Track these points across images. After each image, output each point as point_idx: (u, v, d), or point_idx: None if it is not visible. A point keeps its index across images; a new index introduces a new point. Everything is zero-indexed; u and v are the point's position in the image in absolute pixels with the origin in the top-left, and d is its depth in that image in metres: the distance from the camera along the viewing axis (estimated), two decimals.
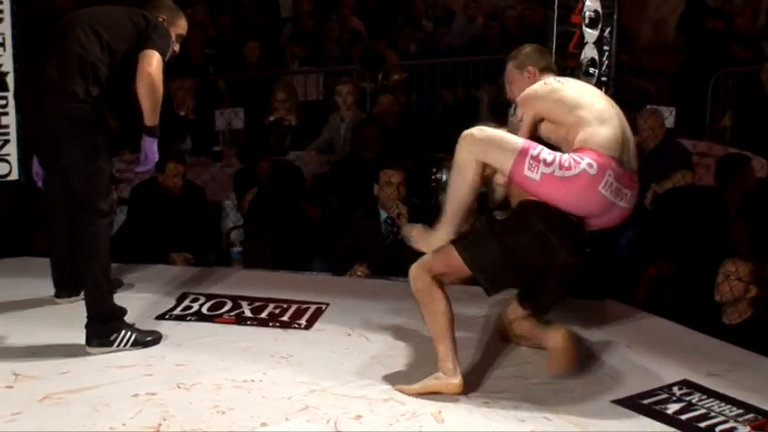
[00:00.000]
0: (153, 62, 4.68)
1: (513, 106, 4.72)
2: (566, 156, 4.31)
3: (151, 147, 4.83)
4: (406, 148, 8.00)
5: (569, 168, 4.27)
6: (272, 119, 8.58)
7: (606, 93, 5.58)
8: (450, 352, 4.40)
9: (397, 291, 5.83)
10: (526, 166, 4.29)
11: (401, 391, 4.39)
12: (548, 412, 4.26)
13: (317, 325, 5.23)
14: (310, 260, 6.88)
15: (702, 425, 4.21)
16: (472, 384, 4.47)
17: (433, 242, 4.51)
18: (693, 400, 4.42)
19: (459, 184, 4.45)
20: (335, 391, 4.39)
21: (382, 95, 8.80)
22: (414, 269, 4.49)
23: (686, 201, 6.98)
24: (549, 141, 4.49)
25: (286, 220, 7.21)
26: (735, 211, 6.83)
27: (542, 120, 4.53)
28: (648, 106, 8.13)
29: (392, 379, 4.54)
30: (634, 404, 4.37)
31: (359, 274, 6.27)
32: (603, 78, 5.72)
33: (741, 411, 4.32)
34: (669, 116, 7.96)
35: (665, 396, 4.46)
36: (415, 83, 10.31)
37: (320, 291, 5.69)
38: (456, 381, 4.36)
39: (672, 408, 4.34)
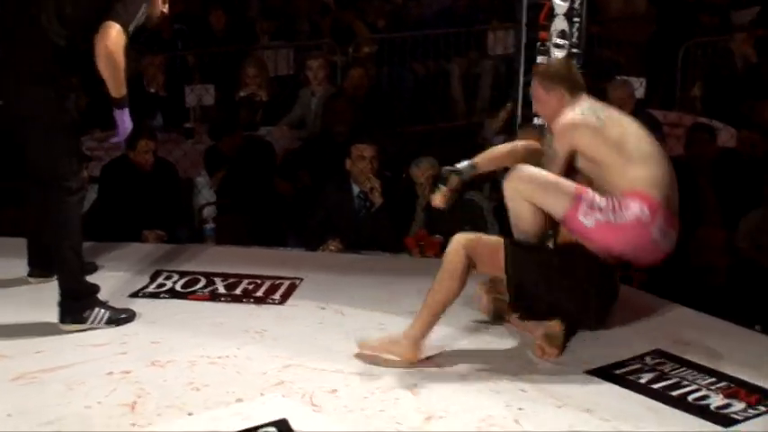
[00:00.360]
0: (111, 34, 4.55)
1: (549, 136, 4.72)
2: (616, 200, 4.37)
3: (121, 117, 4.75)
4: (377, 121, 7.99)
5: (622, 215, 4.35)
6: (242, 94, 8.56)
7: (577, 65, 5.63)
8: (428, 329, 4.42)
9: (371, 265, 5.86)
10: (581, 213, 4.38)
11: (361, 347, 4.44)
12: (523, 384, 4.28)
13: (291, 300, 5.22)
14: (283, 236, 6.87)
15: (675, 393, 4.24)
16: (447, 358, 4.49)
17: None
18: (666, 370, 4.44)
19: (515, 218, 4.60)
20: (310, 365, 4.39)
21: (352, 69, 8.78)
22: (459, 242, 4.46)
23: None
24: (585, 175, 4.52)
25: (258, 196, 7.19)
26: (704, 181, 6.87)
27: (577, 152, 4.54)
28: (618, 77, 8.15)
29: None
30: (607, 374, 4.39)
31: (332, 248, 6.28)
32: (574, 50, 5.73)
33: (713, 380, 4.35)
34: (639, 87, 7.98)
35: (637, 366, 4.48)
36: (385, 56, 10.28)
37: (294, 266, 5.69)
38: (414, 354, 4.38)
39: (645, 377, 4.37)
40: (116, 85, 4.65)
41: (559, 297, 4.57)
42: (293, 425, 3.82)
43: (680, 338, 4.75)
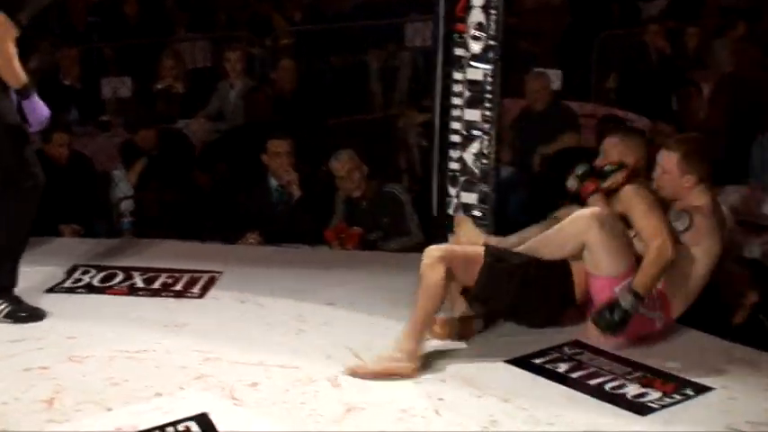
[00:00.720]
0: None
1: (686, 220, 4.66)
2: (655, 300, 4.58)
3: (30, 107, 4.61)
4: (296, 114, 7.96)
5: (652, 310, 4.61)
6: (159, 87, 8.48)
7: (493, 56, 5.67)
8: (421, 340, 4.36)
9: (290, 257, 5.86)
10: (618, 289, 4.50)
11: (354, 374, 4.23)
12: (443, 374, 4.30)
13: (210, 293, 5.19)
14: (202, 229, 6.82)
15: (592, 382, 4.28)
16: (368, 351, 4.49)
17: None
18: (584, 360, 4.49)
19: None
20: (230, 358, 4.37)
21: (283, 60, 8.72)
22: (434, 256, 4.38)
23: (573, 162, 7.06)
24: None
25: (176, 189, 7.13)
26: None
27: None
28: (535, 69, 8.21)
29: (287, 344, 4.53)
30: (526, 364, 4.43)
31: (251, 241, 6.25)
32: (491, 42, 5.75)
33: (629, 369, 4.40)
34: (556, 79, 8.05)
35: (556, 355, 4.52)
36: (303, 49, 10.25)
37: (213, 259, 5.66)
38: (413, 365, 4.29)
39: (563, 366, 4.41)
40: (11, 75, 4.53)
41: (523, 303, 4.62)
42: (214, 419, 3.80)
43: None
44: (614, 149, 4.85)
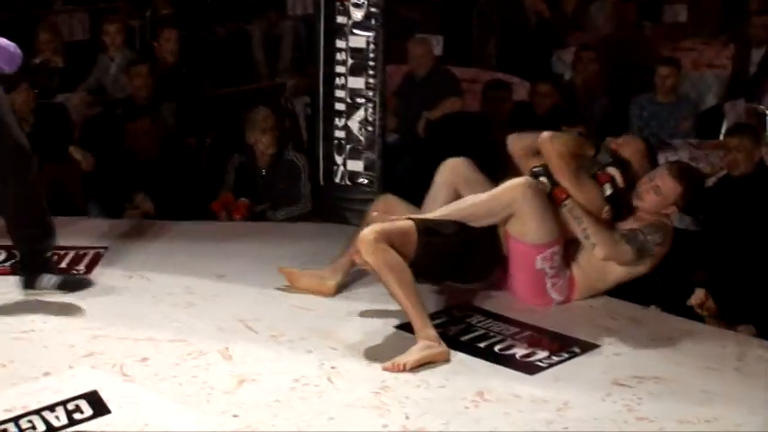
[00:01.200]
0: None
1: (661, 236, 4.69)
2: (565, 281, 4.73)
3: None
4: (180, 85, 7.84)
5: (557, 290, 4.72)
6: (37, 61, 8.27)
7: (375, 24, 5.67)
8: (426, 319, 4.26)
9: (176, 231, 5.80)
10: (544, 255, 4.64)
11: (393, 369, 4.07)
12: (334, 342, 4.31)
13: (96, 270, 5.11)
14: (85, 204, 6.71)
15: (482, 345, 4.33)
16: (258, 322, 4.50)
17: None
18: (473, 322, 4.54)
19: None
20: (120, 334, 4.32)
21: (164, 30, 8.56)
22: (370, 242, 4.21)
23: (456, 126, 7.12)
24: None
25: (56, 163, 6.98)
26: (501, 136, 7.00)
27: None
28: (417, 35, 8.22)
29: (177, 318, 4.50)
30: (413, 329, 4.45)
31: (138, 206, 6.23)
32: (372, 9, 5.75)
33: (518, 330, 4.47)
34: (437, 44, 8.07)
35: (445, 319, 4.55)
36: (184, 19, 10.09)
37: (97, 235, 5.58)
38: (444, 348, 4.22)
39: (453, 330, 4.45)
40: None
41: (457, 268, 4.64)
42: (104, 396, 3.75)
43: (486, 292, 4.85)
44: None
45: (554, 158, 4.65)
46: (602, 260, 4.62)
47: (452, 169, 4.89)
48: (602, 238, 4.57)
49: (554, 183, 4.68)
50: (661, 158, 6.35)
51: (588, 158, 4.78)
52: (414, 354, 4.12)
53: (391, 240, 4.26)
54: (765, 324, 4.71)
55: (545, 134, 4.68)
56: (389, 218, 4.47)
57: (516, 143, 4.97)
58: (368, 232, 4.25)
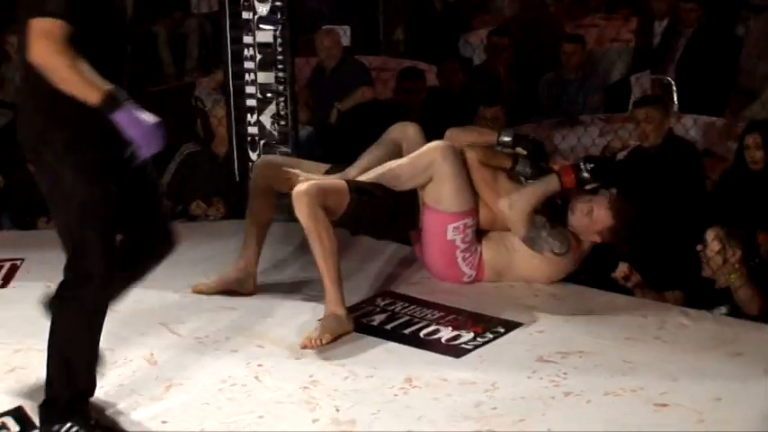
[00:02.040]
0: (37, 42, 3.21)
1: (566, 246, 4.66)
2: (476, 257, 4.74)
3: (127, 120, 3.23)
4: None
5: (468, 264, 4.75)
6: None
7: (281, 17, 5.65)
8: (342, 295, 4.30)
9: None
10: (456, 226, 4.65)
11: (310, 345, 4.13)
12: (259, 340, 4.28)
13: (13, 282, 5.03)
14: None
15: (407, 331, 4.34)
16: (180, 325, 4.46)
17: None
18: (396, 309, 4.54)
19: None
20: (42, 347, 4.19)
21: None
22: (304, 201, 4.26)
23: (369, 116, 7.11)
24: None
25: None
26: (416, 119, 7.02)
27: None
28: (324, 26, 8.19)
29: None
30: None
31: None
32: (277, 3, 5.71)
33: (442, 314, 4.48)
34: (344, 34, 8.05)
35: (369, 308, 4.56)
36: None
37: (12, 247, 5.48)
38: (352, 326, 4.28)
39: (378, 318, 4.45)
40: (82, 91, 3.21)
41: (380, 227, 4.72)
42: (30, 412, 3.68)
43: (407, 278, 4.86)
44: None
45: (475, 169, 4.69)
46: (505, 212, 4.65)
47: (402, 129, 4.90)
48: (521, 206, 4.60)
49: (530, 147, 4.73)
50: (572, 136, 6.43)
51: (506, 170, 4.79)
52: (327, 329, 4.18)
53: (326, 198, 4.33)
54: (692, 288, 4.78)
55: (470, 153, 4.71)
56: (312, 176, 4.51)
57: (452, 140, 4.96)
58: (303, 190, 4.30)
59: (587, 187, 4.70)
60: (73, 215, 3.41)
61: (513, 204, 4.60)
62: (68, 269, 3.48)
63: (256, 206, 4.78)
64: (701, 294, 4.76)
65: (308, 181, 4.40)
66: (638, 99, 6.57)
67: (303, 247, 5.27)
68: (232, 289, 4.73)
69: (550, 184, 4.65)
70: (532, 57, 8.50)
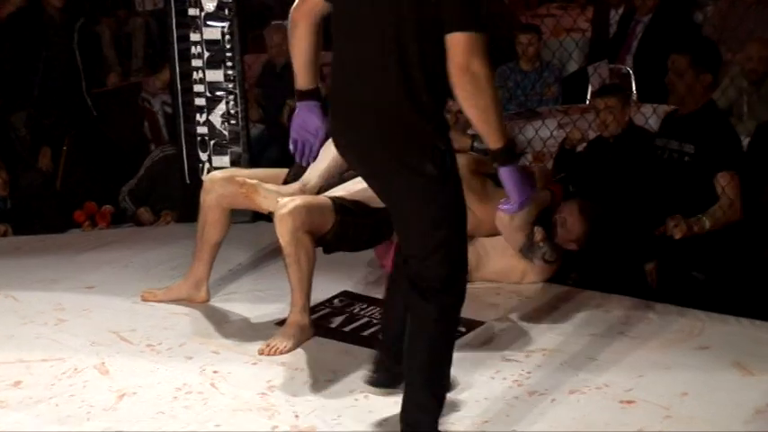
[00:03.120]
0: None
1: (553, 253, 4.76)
2: None
3: (512, 179, 3.20)
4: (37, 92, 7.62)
5: None
6: None
7: (228, 14, 5.62)
8: (309, 305, 4.25)
9: (39, 246, 5.70)
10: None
11: (269, 352, 4.12)
12: (214, 346, 4.26)
13: None
14: None
15: (366, 333, 4.32)
16: (132, 333, 4.42)
17: None
18: (355, 310, 4.53)
19: None
20: None
21: None
22: (290, 222, 4.10)
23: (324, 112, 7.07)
24: None
25: None
26: None
27: None
28: (273, 22, 8.16)
29: (48, 336, 4.39)
30: None
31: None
32: None
33: None
34: None
35: (327, 310, 4.54)
36: None
37: None
38: (312, 331, 4.26)
39: (336, 321, 4.44)
40: (494, 130, 3.14)
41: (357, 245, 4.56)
42: None
43: (365, 278, 4.85)
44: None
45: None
46: (504, 223, 4.67)
47: None
48: (523, 218, 4.64)
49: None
50: (530, 128, 6.43)
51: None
52: (290, 338, 4.15)
53: (311, 221, 4.18)
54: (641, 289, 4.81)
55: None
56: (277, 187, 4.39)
57: None
58: (288, 213, 4.11)
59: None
60: None
61: (515, 216, 4.59)
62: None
63: (208, 227, 4.58)
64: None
65: (290, 199, 4.20)
66: (597, 88, 6.58)
67: (261, 248, 5.29)
68: (182, 299, 4.67)
69: (544, 195, 4.76)
70: (490, 48, 8.49)
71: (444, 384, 3.42)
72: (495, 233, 4.77)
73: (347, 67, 3.28)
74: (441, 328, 3.31)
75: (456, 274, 3.29)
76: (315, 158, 3.61)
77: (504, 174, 3.17)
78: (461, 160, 4.61)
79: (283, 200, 4.18)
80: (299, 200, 4.19)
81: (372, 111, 3.20)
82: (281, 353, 4.11)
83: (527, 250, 4.69)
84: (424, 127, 3.17)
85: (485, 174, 4.76)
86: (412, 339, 3.31)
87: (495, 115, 3.09)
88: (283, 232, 4.11)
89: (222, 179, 4.58)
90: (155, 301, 4.68)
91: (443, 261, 3.25)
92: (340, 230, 4.28)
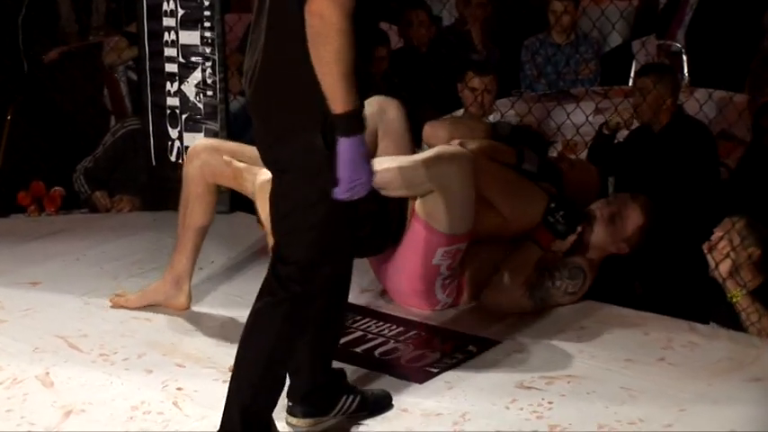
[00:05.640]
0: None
1: (580, 281, 4.75)
2: (455, 283, 4.71)
3: (345, 152, 3.23)
4: None
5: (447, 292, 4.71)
6: None
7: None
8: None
9: None
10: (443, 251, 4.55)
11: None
12: (180, 359, 4.28)
13: None
14: None
15: (359, 349, 4.35)
16: (84, 339, 4.44)
17: None
18: (349, 323, 4.53)
19: None
20: None
21: None
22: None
23: None
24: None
25: None
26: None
27: None
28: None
29: None
30: None
31: None
32: None
33: (402, 329, 4.50)
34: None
35: None
36: None
37: None
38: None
39: None
40: (335, 91, 3.19)
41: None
42: None
43: (358, 284, 4.86)
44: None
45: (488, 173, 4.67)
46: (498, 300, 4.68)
47: (380, 107, 4.73)
48: (514, 291, 4.64)
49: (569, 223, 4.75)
50: (561, 112, 6.44)
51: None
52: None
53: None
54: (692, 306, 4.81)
55: (454, 145, 4.66)
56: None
57: (433, 138, 4.94)
58: (268, 179, 3.94)
59: (570, 238, 4.76)
60: None
61: (505, 291, 4.63)
62: None
63: (191, 204, 4.59)
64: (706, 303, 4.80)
65: None
66: (641, 68, 6.60)
67: (239, 244, 5.31)
68: (159, 304, 4.70)
69: (530, 252, 4.70)
70: (515, 15, 8.52)
71: (267, 387, 3.52)
72: (520, 235, 4.77)
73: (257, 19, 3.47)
74: (279, 321, 3.42)
75: (322, 264, 3.38)
76: None
77: (342, 147, 3.19)
78: (473, 146, 4.64)
79: (262, 171, 4.20)
80: None
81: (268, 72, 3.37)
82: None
83: (541, 303, 4.68)
84: (315, 95, 3.20)
85: (504, 164, 4.78)
86: (248, 321, 3.48)
87: (340, 74, 3.12)
88: (264, 203, 4.04)
89: (207, 146, 4.64)
90: (128, 307, 4.69)
91: (311, 246, 3.35)
92: None
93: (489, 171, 4.65)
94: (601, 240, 4.80)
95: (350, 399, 3.79)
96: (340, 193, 3.24)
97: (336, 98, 3.16)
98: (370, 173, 3.28)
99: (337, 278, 3.51)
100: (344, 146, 3.19)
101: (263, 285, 3.46)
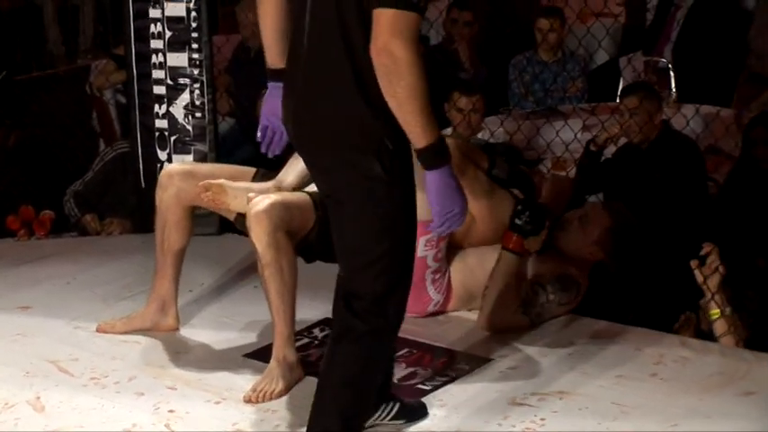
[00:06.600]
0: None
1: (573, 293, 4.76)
2: (445, 279, 4.75)
3: (439, 187, 3.25)
4: None
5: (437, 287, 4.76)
6: None
7: None
8: (293, 338, 4.23)
9: None
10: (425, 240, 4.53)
11: (257, 400, 4.08)
12: (171, 380, 4.27)
13: None
14: None
15: None
16: (75, 363, 4.42)
17: None
18: None
19: None
20: None
21: None
22: (265, 224, 4.07)
23: None
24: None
25: None
26: None
27: None
28: None
29: None
30: (268, 356, 4.41)
31: None
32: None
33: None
34: None
35: (306, 341, 4.54)
36: None
37: None
38: (302, 373, 4.21)
39: (315, 353, 4.42)
40: (418, 125, 3.17)
41: None
42: None
43: None
44: None
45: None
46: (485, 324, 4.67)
47: None
48: (502, 312, 4.62)
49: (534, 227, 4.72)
50: (550, 129, 6.45)
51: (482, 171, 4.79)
52: (279, 380, 4.12)
53: (291, 219, 4.17)
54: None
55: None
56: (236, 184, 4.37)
57: None
58: (263, 210, 4.09)
59: (541, 234, 4.76)
60: None
61: (496, 313, 4.61)
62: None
63: (168, 231, 4.58)
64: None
65: (264, 195, 4.20)
66: (626, 86, 6.61)
67: (228, 266, 5.30)
68: (147, 329, 4.66)
69: (505, 262, 4.65)
70: (502, 34, 8.53)
71: (356, 414, 3.49)
72: (489, 237, 4.78)
73: (294, 51, 3.40)
74: (364, 351, 3.39)
75: (393, 293, 3.37)
76: (284, 149, 3.69)
77: (429, 178, 3.20)
78: (451, 142, 4.65)
79: (256, 197, 4.19)
80: (274, 196, 4.20)
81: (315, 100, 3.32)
82: (273, 398, 4.08)
83: (537, 319, 4.68)
84: (373, 122, 3.21)
85: (474, 164, 4.77)
86: (328, 355, 3.45)
87: (418, 109, 3.11)
88: (260, 234, 4.08)
89: (181, 172, 4.60)
90: (114, 333, 4.68)
91: (380, 277, 3.32)
92: (322, 229, 4.20)
93: (456, 165, 4.65)
94: (572, 245, 4.80)
95: (389, 407, 3.79)
96: (434, 226, 3.27)
97: (417, 133, 3.15)
98: (464, 202, 3.27)
99: (405, 301, 3.48)
100: (432, 179, 3.19)
101: (336, 324, 3.45)
